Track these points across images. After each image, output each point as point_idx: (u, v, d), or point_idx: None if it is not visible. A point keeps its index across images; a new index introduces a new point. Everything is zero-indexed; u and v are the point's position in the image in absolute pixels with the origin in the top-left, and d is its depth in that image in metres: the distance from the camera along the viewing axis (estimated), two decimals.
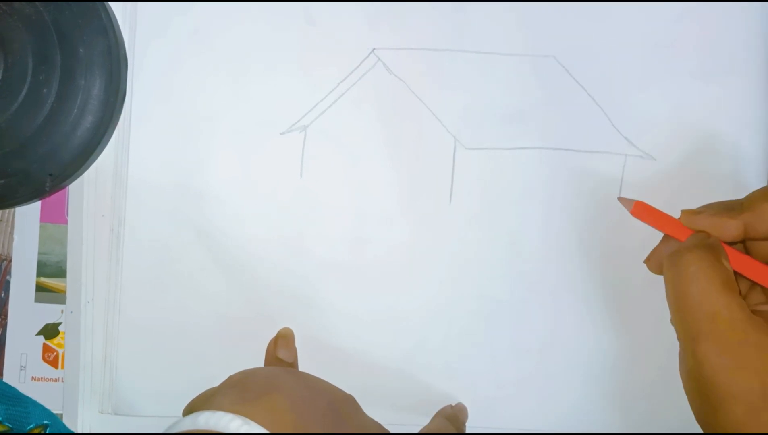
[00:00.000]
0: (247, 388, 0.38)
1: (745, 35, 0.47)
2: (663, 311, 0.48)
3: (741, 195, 0.47)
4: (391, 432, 0.45)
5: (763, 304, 0.40)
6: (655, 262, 0.44)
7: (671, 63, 0.47)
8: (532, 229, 0.47)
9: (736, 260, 0.40)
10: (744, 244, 0.42)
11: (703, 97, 0.47)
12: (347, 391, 0.43)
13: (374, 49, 0.47)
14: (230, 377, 0.42)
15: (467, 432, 0.47)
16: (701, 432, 0.47)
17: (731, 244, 0.40)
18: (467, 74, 0.47)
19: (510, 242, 0.47)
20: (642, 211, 0.43)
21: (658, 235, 0.45)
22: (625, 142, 0.47)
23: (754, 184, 0.48)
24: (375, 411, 0.47)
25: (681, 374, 0.39)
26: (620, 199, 0.45)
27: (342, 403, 0.40)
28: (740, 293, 0.37)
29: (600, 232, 0.48)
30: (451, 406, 0.47)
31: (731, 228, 0.39)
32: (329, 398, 0.40)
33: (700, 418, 0.38)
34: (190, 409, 0.41)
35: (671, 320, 0.39)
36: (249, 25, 0.46)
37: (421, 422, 0.47)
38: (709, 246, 0.38)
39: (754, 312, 0.37)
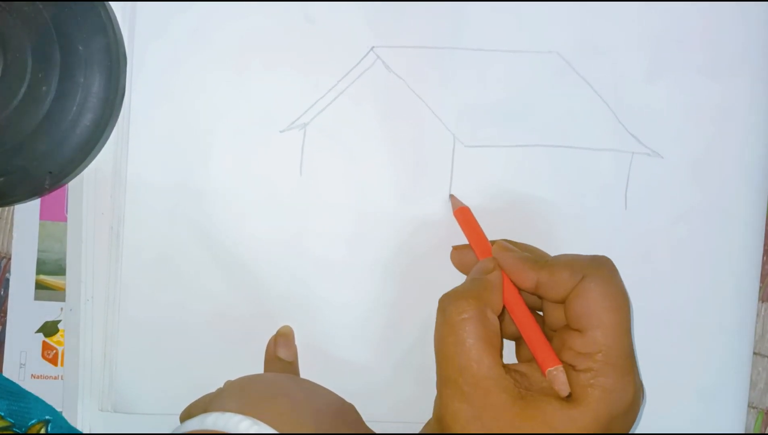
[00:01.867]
0: (250, 392, 0.38)
1: (753, 32, 0.47)
2: (663, 311, 0.48)
3: (747, 192, 0.47)
4: (390, 432, 0.45)
5: (529, 361, 0.40)
6: (457, 260, 0.46)
7: (678, 59, 0.47)
8: (533, 227, 0.47)
9: (514, 307, 0.40)
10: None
11: (711, 93, 0.47)
12: (347, 389, 0.43)
13: (373, 47, 0.46)
14: (229, 383, 0.42)
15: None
16: (701, 432, 0.47)
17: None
18: (467, 72, 0.47)
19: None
20: (463, 217, 0.45)
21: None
22: (632, 139, 0.47)
23: (761, 182, 0.47)
24: (374, 410, 0.47)
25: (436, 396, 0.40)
26: (452, 196, 0.46)
27: (344, 410, 0.41)
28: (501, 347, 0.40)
29: (604, 231, 0.47)
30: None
31: (526, 280, 0.40)
32: (331, 405, 0.40)
33: None
34: (188, 414, 0.41)
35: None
36: (248, 22, 0.46)
37: (420, 422, 0.47)
38: (479, 299, 0.38)
39: (512, 369, 0.38)
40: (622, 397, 0.37)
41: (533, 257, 0.41)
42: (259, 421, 0.35)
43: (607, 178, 0.47)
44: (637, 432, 0.48)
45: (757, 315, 0.48)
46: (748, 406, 0.48)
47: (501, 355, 0.39)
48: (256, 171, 0.47)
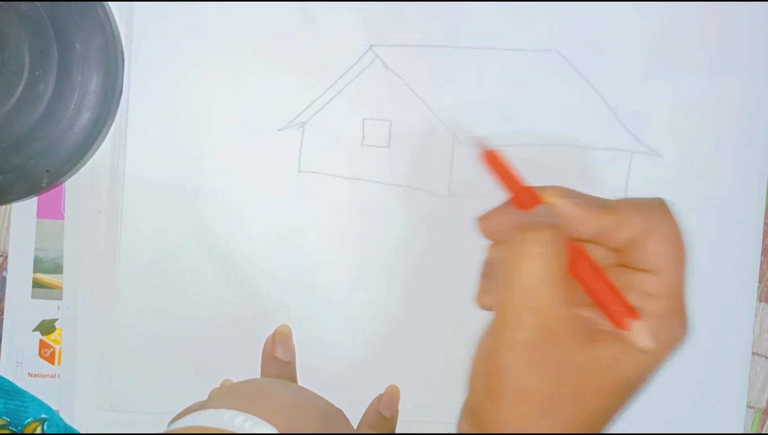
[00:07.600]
0: (241, 392, 0.38)
1: (752, 31, 0.47)
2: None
3: (746, 192, 0.47)
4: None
5: (586, 308, 0.36)
6: (489, 227, 0.38)
7: (677, 57, 0.47)
8: None
9: (578, 261, 0.35)
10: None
11: (710, 92, 0.47)
12: (345, 388, 0.43)
13: (372, 45, 0.46)
14: (220, 388, 0.42)
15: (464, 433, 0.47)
16: (700, 432, 0.47)
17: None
18: (465, 70, 0.47)
19: None
20: (492, 162, 0.37)
21: None
22: (632, 138, 0.47)
23: (760, 182, 0.47)
24: None
25: (477, 349, 0.36)
26: (475, 140, 0.39)
27: (333, 414, 0.41)
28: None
29: None
30: (378, 399, 0.46)
31: (588, 227, 0.35)
32: (321, 407, 0.40)
33: (473, 401, 0.35)
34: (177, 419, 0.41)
35: (495, 293, 0.35)
36: (247, 20, 0.46)
37: (420, 420, 0.47)
38: (559, 232, 0.34)
39: (577, 314, 0.34)
40: (679, 341, 0.35)
41: (594, 202, 0.36)
42: (252, 416, 0.35)
43: (606, 177, 0.47)
44: (636, 432, 0.47)
45: (756, 315, 0.48)
46: (746, 405, 0.48)
47: None
48: (254, 169, 0.47)
